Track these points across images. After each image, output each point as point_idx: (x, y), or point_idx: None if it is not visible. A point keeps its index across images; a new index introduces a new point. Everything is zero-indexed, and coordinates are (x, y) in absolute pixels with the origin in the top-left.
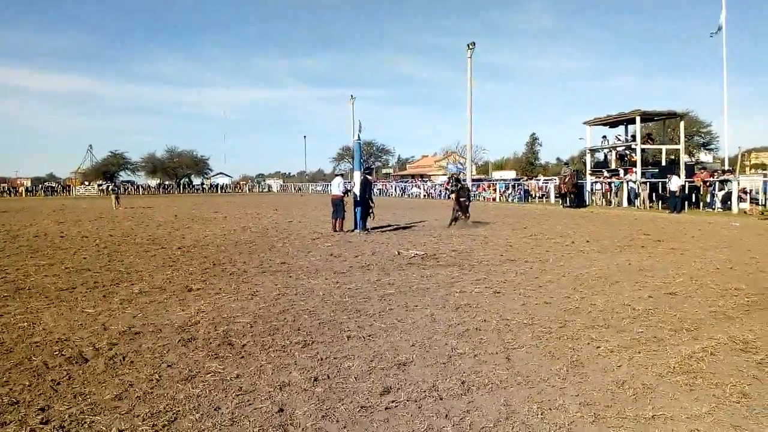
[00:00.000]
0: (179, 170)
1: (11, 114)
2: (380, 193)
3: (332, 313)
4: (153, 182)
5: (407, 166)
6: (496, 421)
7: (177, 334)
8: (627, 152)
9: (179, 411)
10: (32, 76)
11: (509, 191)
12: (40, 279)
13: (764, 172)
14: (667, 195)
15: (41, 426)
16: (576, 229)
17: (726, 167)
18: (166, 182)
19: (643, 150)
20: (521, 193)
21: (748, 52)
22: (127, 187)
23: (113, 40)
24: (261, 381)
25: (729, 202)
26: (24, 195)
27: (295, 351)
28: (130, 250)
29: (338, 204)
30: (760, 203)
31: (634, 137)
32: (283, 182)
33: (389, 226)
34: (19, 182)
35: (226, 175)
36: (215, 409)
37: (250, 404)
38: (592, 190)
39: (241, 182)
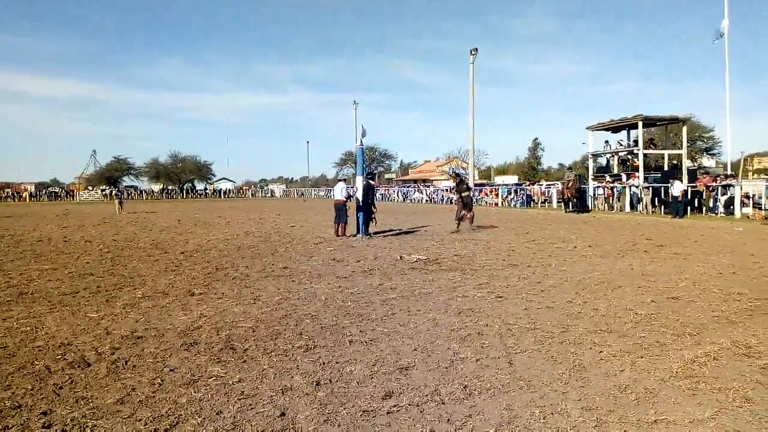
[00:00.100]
0: (182, 175)
1: (15, 119)
2: (382, 198)
3: (334, 317)
4: (156, 187)
5: (409, 171)
6: (498, 426)
7: (179, 338)
8: (629, 157)
9: (181, 415)
10: (35, 81)
11: (511, 196)
12: (43, 283)
13: (767, 176)
14: (670, 200)
15: (43, 430)
16: (578, 234)
17: (728, 172)
18: (170, 187)
19: (645, 155)
20: (523, 198)
21: (751, 56)
22: (131, 192)
23: (116, 46)
24: (263, 385)
25: (732, 207)
26: (28, 200)
27: (297, 355)
28: (133, 255)
29: (341, 209)
30: (762, 208)
31: (636, 142)
32: (286, 187)
33: (391, 230)
34: (22, 187)
35: (229, 180)
36: (217, 414)
37: (252, 408)
38: (594, 195)
39: (244, 187)
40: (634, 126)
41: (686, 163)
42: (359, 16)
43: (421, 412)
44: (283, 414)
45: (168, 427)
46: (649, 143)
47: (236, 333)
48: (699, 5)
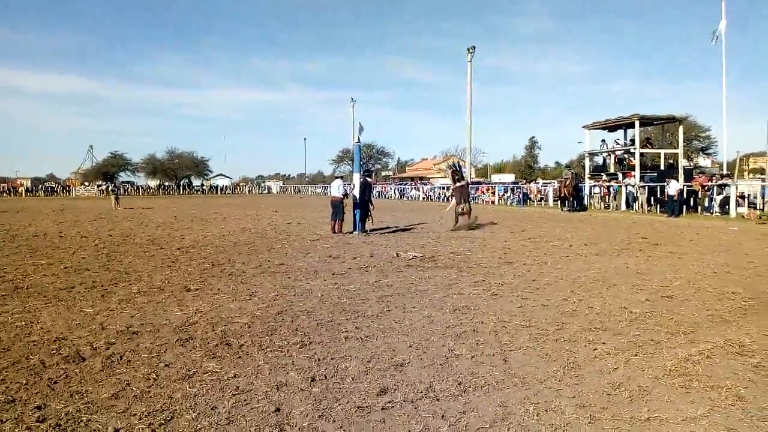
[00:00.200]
0: (179, 171)
1: (11, 114)
2: (379, 195)
3: (330, 314)
4: (153, 183)
5: (406, 168)
6: (492, 422)
7: (175, 333)
8: (626, 156)
9: (176, 410)
10: (32, 76)
11: (508, 194)
12: (38, 278)
13: (762, 176)
14: (666, 199)
15: (38, 424)
16: (574, 232)
17: (724, 172)
18: (166, 183)
19: (641, 154)
20: (520, 196)
21: (748, 57)
22: (127, 188)
23: (114, 41)
24: (258, 381)
25: (727, 207)
26: (24, 195)
27: (293, 351)
28: (129, 251)
29: (337, 206)
30: (758, 208)
31: (633, 141)
32: (283, 184)
33: (388, 228)
34: (19, 182)
35: (226, 176)
36: (212, 409)
37: (246, 404)
38: (590, 193)
39: (241, 184)
40: (631, 125)
41: (682, 163)
42: (359, 14)
43: (415, 408)
44: (278, 409)
45: (163, 421)
46: (646, 142)
47: (232, 329)
48: (698, 5)
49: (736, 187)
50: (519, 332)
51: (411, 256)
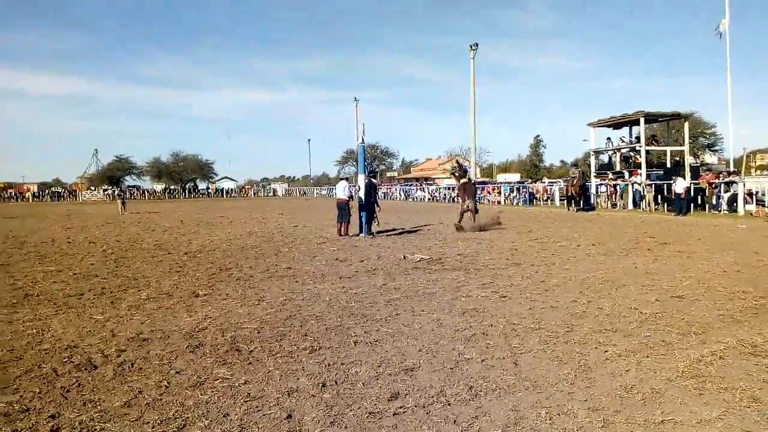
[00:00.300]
0: (184, 174)
1: (17, 119)
2: (384, 196)
3: (339, 318)
4: (158, 187)
5: (411, 169)
6: (504, 427)
7: (185, 340)
8: (631, 154)
9: (188, 418)
10: (35, 79)
11: (514, 194)
12: (48, 285)
13: None
14: (673, 197)
15: None
16: (581, 232)
17: (731, 169)
18: (172, 187)
19: (647, 152)
20: (526, 195)
21: (754, 52)
22: (133, 192)
23: (116, 44)
24: (269, 387)
25: (735, 204)
26: (31, 200)
27: (303, 357)
28: (137, 256)
29: (343, 208)
30: (766, 205)
31: (638, 139)
32: (288, 186)
33: (394, 229)
34: (25, 188)
35: (231, 179)
36: (224, 416)
37: (258, 410)
38: (597, 192)
39: (247, 186)
40: (636, 122)
41: (689, 160)
42: (358, 13)
43: (427, 413)
44: (289, 416)
45: (175, 429)
46: (651, 140)
47: (241, 334)
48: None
49: (744, 185)
50: (529, 335)
51: (418, 259)
